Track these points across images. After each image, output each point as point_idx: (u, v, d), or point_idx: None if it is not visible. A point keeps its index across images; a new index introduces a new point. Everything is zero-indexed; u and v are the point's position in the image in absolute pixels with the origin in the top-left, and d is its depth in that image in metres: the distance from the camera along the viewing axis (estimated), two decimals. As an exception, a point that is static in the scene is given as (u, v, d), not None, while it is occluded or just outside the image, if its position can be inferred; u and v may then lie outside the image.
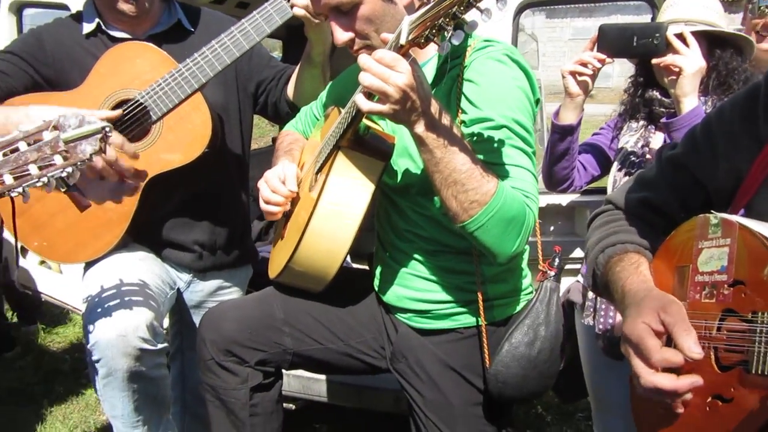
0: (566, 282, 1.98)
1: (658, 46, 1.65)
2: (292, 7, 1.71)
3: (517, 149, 1.36)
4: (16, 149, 1.12)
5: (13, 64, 1.80)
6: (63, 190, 1.62)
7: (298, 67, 1.94)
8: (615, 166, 1.88)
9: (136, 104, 1.74)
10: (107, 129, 1.14)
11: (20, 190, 1.13)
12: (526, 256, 1.61)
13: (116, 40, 1.86)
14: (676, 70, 1.64)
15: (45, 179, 1.13)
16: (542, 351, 1.51)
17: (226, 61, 1.75)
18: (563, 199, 2.36)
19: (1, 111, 1.61)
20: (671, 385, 0.94)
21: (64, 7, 2.56)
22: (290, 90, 1.98)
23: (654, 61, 1.68)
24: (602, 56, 1.74)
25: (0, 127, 1.56)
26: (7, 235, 2.84)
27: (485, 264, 1.50)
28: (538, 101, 1.45)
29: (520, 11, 2.21)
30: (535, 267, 1.61)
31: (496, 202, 1.26)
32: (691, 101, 1.63)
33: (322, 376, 2.45)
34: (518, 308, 1.59)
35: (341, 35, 1.40)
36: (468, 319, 1.55)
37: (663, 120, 1.74)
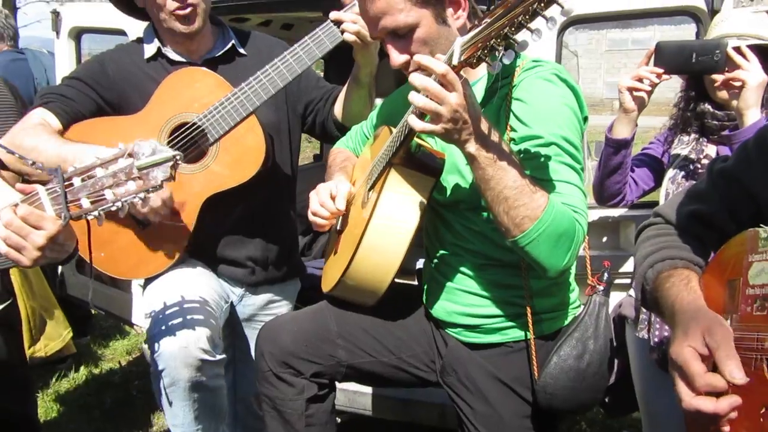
0: (616, 297, 1.99)
1: (719, 62, 1.68)
2: (342, 32, 1.78)
3: (566, 165, 1.39)
4: (93, 175, 1.18)
5: (78, 90, 1.89)
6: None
7: (345, 87, 2.00)
8: (668, 177, 1.89)
9: (195, 127, 1.82)
10: (178, 157, 1.20)
11: (96, 213, 1.19)
12: (573, 270, 1.63)
13: (175, 64, 1.94)
14: (738, 84, 1.66)
15: (119, 203, 1.19)
16: (591, 364, 1.53)
17: (279, 85, 1.82)
18: (611, 213, 2.36)
19: (60, 149, 1.70)
20: (712, 408, 0.96)
21: (122, 33, 2.68)
22: (337, 110, 2.05)
23: (717, 79, 1.71)
24: (660, 71, 1.76)
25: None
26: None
27: (533, 278, 1.53)
28: (586, 119, 1.48)
29: (564, 29, 2.24)
30: (583, 281, 1.62)
31: (547, 218, 1.30)
32: (754, 114, 1.66)
33: (368, 390, 2.48)
34: (566, 322, 1.61)
35: (398, 58, 1.45)
36: (517, 333, 1.58)
37: (725, 133, 1.76)
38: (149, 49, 1.96)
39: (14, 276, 2.29)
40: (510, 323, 1.57)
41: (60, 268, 3.25)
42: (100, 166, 1.18)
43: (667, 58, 1.75)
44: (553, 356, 1.53)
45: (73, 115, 1.85)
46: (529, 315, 1.53)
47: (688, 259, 1.20)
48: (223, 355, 1.79)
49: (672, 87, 2.07)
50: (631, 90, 1.81)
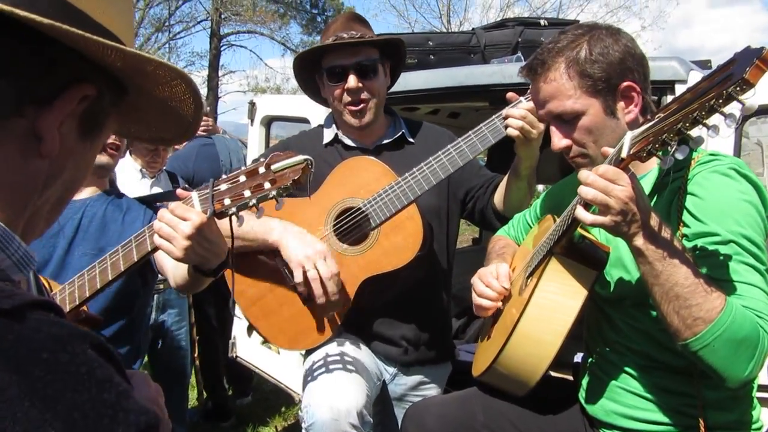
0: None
1: None
2: (506, 127, 1.83)
3: (746, 266, 1.28)
4: (237, 181, 1.37)
5: None
6: (291, 284, 1.85)
7: (505, 177, 2.03)
8: None
9: (359, 211, 1.94)
10: (310, 161, 1.34)
11: (234, 209, 1.36)
12: (756, 384, 1.46)
13: (349, 149, 2.11)
14: None
15: (254, 200, 1.34)
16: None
17: (441, 177, 1.90)
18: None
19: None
20: None
21: (305, 121, 2.97)
22: (497, 199, 2.08)
23: None
24: None
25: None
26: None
27: (707, 387, 1.39)
28: None
29: (744, 119, 2.08)
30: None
31: (724, 321, 1.20)
32: None
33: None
34: None
35: (559, 142, 1.47)
36: None
37: None
38: (328, 135, 2.15)
39: None
40: (677, 435, 1.43)
41: (233, 332, 3.51)
42: (244, 173, 1.36)
43: None
44: None
45: None
46: (702, 429, 1.38)
47: None
48: None
49: None
50: None
